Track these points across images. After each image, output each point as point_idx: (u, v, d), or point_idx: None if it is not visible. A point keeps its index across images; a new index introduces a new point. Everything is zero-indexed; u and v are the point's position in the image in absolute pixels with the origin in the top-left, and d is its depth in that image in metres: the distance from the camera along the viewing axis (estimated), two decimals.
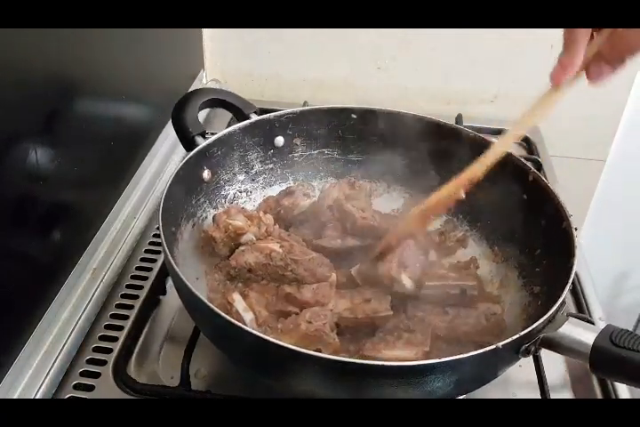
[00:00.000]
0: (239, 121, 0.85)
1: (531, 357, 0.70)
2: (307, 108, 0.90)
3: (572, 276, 0.65)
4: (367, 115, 0.90)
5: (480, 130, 1.20)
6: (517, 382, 0.74)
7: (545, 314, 0.61)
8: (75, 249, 0.82)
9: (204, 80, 1.29)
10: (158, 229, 0.67)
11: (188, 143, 0.80)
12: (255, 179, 0.90)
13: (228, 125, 1.11)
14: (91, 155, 0.83)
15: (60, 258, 0.79)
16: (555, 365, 0.77)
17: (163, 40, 1.05)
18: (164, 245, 0.66)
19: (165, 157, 1.06)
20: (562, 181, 1.09)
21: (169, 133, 0.84)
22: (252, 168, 0.89)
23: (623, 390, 0.74)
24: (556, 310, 0.62)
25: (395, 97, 1.27)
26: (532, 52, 1.19)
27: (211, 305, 0.60)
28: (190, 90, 1.20)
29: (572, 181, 1.13)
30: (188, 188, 0.79)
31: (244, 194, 0.89)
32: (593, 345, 0.59)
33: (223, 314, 0.59)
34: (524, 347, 0.61)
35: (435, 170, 0.90)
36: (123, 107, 0.93)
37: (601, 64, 0.63)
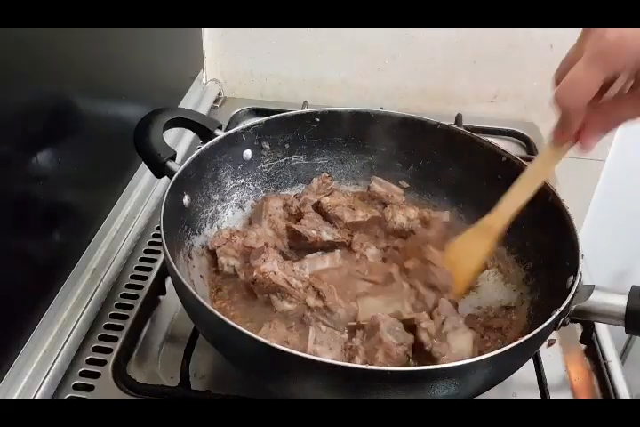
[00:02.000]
0: (203, 139, 0.83)
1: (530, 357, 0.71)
2: (271, 116, 0.88)
3: (580, 245, 0.68)
4: (330, 116, 0.90)
5: (480, 130, 1.21)
6: (517, 382, 0.74)
7: (560, 285, 0.65)
8: (75, 249, 0.82)
9: (204, 80, 1.29)
10: (166, 260, 0.66)
11: (160, 170, 0.77)
12: (229, 197, 0.88)
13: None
14: (91, 155, 0.83)
15: (60, 258, 0.79)
16: (555, 365, 0.77)
17: (163, 40, 1.05)
18: (169, 258, 0.65)
19: None
20: (562, 181, 1.09)
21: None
22: (225, 186, 0.87)
23: (623, 390, 0.74)
24: (579, 281, 0.64)
25: (395, 97, 1.27)
26: (531, 52, 1.19)
27: (214, 311, 0.59)
28: (189, 90, 1.21)
29: (572, 181, 1.12)
30: (172, 218, 0.74)
31: (220, 214, 0.86)
32: (627, 307, 0.62)
33: (226, 319, 0.58)
34: (560, 321, 0.63)
35: (402, 163, 0.92)
36: (123, 107, 0.93)
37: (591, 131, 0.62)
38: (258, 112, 1.24)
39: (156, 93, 1.05)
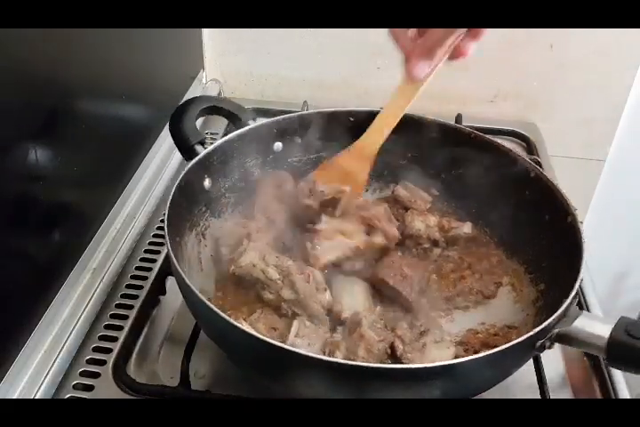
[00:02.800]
0: (236, 128, 0.84)
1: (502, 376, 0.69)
2: (304, 112, 0.89)
3: (583, 269, 0.66)
4: (365, 117, 0.89)
5: (480, 130, 1.20)
6: (517, 382, 0.74)
7: (556, 309, 0.62)
8: (75, 249, 0.82)
9: (204, 80, 1.29)
10: (164, 238, 0.67)
11: (188, 152, 0.79)
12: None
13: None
14: (91, 155, 0.83)
15: (60, 258, 0.79)
16: (555, 365, 0.77)
17: (163, 40, 1.05)
18: (172, 255, 0.66)
19: (165, 156, 1.06)
20: (562, 181, 1.09)
21: (169, 133, 0.84)
22: (252, 175, 0.88)
23: (623, 390, 0.74)
24: (569, 305, 0.62)
25: None
26: (531, 52, 1.19)
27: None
28: (189, 90, 1.21)
29: (572, 181, 1.12)
30: (190, 197, 0.78)
31: (245, 200, 0.87)
32: (609, 338, 0.60)
33: (235, 322, 0.59)
34: (539, 343, 0.62)
35: (434, 170, 0.91)
36: (123, 107, 0.93)
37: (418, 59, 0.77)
38: (258, 112, 1.24)
39: (156, 93, 1.05)
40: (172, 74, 1.14)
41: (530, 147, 1.17)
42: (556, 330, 0.62)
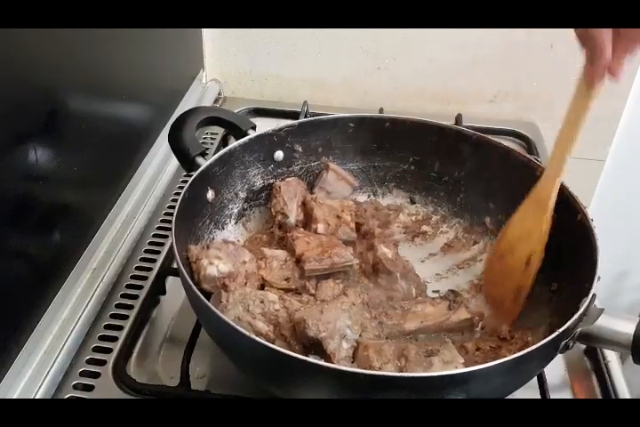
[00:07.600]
0: (236, 138, 0.85)
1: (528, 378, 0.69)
2: (304, 120, 0.89)
3: (598, 266, 0.65)
4: (365, 122, 0.90)
5: (480, 130, 1.20)
6: None
7: (573, 308, 0.61)
8: (75, 249, 0.82)
9: (204, 80, 1.29)
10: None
11: (189, 165, 0.79)
12: (258, 195, 0.89)
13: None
14: (91, 155, 0.83)
15: (60, 258, 0.79)
16: (555, 365, 0.77)
17: (163, 40, 1.05)
18: (183, 271, 0.65)
19: (165, 156, 1.06)
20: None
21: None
22: (254, 185, 0.88)
23: (623, 390, 0.74)
24: (590, 303, 0.62)
25: (395, 97, 1.27)
26: (531, 52, 1.19)
27: (242, 330, 0.59)
28: (189, 90, 1.21)
29: (572, 181, 1.12)
30: (193, 210, 0.78)
31: (247, 212, 0.88)
32: (634, 335, 0.60)
33: (251, 335, 0.58)
34: (563, 343, 0.61)
35: (436, 173, 0.91)
36: (123, 107, 0.93)
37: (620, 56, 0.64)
38: (258, 112, 1.24)
39: (156, 93, 1.05)
40: (171, 74, 1.15)
41: (530, 147, 1.17)
42: (579, 329, 0.61)
